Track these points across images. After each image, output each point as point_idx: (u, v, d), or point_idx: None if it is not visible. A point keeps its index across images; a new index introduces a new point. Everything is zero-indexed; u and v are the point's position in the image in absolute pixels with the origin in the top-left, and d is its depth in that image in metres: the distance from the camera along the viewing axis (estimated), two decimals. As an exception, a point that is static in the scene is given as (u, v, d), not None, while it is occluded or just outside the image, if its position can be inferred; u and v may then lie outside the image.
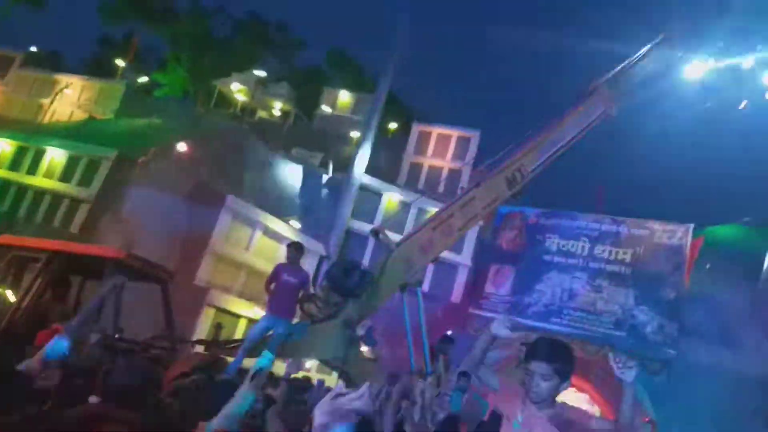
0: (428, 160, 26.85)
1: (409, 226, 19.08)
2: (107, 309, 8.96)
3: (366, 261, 17.04)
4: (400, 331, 8.77)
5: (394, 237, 8.88)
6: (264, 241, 20.06)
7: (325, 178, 25.31)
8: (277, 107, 35.65)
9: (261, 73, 33.86)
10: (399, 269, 7.91)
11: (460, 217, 8.09)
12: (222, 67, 34.98)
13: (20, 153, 21.87)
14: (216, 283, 17.92)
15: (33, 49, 35.28)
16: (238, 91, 34.93)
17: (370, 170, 24.12)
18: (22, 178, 21.11)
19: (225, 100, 35.96)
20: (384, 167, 26.05)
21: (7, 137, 22.41)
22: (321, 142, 29.48)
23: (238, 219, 19.66)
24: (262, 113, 35.41)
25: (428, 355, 7.49)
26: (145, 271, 9.58)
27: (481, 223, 11.13)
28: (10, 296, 9.06)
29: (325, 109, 33.52)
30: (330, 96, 34.10)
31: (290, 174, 24.86)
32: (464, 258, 20.99)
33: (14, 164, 21.59)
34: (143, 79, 35.24)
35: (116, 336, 8.35)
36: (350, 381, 4.09)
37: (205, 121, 27.49)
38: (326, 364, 8.09)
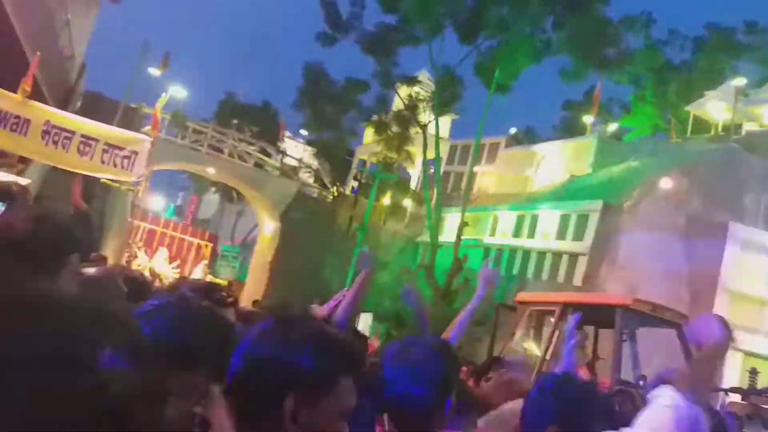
0: None
1: None
2: (624, 356, 8.83)
3: None
4: None
5: None
6: (788, 269, 16.88)
7: None
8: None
9: (740, 82, 29.97)
10: None
11: None
12: (690, 91, 32.53)
13: (519, 221, 24.74)
14: (737, 323, 15.80)
15: (512, 130, 40.35)
16: (716, 110, 31.68)
17: None
18: (524, 242, 23.76)
19: (702, 124, 33.08)
20: None
21: (507, 209, 25.76)
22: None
23: (748, 247, 17.16)
24: (750, 125, 31.00)
25: None
26: (655, 315, 9.13)
27: None
28: (534, 349, 9.92)
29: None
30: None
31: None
32: None
33: (516, 232, 24.54)
34: (612, 128, 35.72)
35: (640, 383, 8.07)
36: None
37: (685, 151, 25.68)
38: None
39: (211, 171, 24.61)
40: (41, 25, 11.44)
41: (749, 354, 15.54)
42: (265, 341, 1.18)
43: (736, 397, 8.87)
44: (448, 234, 25.58)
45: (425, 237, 26.59)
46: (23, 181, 6.23)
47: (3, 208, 2.51)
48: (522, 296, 10.40)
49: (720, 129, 31.57)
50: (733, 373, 14.53)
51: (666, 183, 20.35)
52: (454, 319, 2.92)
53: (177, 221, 29.35)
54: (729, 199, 19.77)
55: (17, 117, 8.33)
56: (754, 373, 13.27)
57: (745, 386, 11.61)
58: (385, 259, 24.94)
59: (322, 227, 25.31)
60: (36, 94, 9.99)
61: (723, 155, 22.54)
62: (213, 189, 42.35)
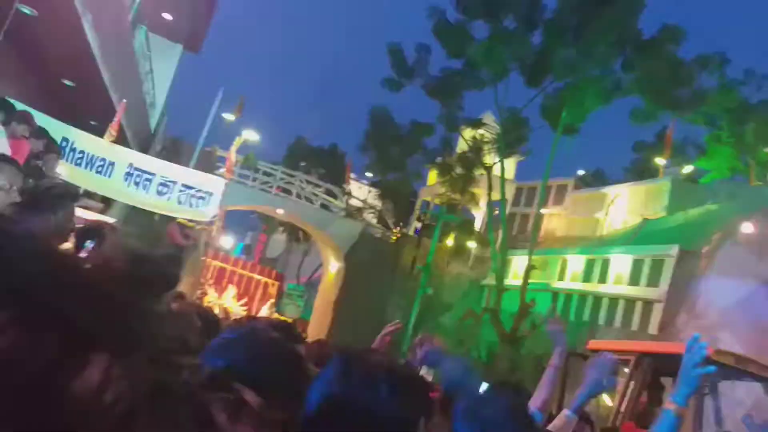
0: None
1: None
2: (707, 412, 8.28)
3: None
4: None
5: None
6: None
7: None
8: None
9: (822, 122, 28.41)
10: None
11: None
12: (770, 131, 31.07)
13: (589, 266, 23.96)
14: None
15: (580, 172, 39.56)
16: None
17: None
18: (594, 287, 22.92)
19: (785, 166, 31.43)
20: None
21: (576, 253, 25.04)
22: None
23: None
24: (837, 167, 29.23)
25: None
26: (739, 367, 8.57)
27: None
28: (607, 400, 9.45)
29: None
30: None
31: None
32: None
33: (586, 276, 23.74)
34: (687, 170, 34.44)
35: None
36: None
37: (766, 194, 24.38)
38: None
39: (279, 211, 25.28)
40: (127, 74, 12.26)
41: None
42: (348, 383, 1.14)
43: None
44: (513, 277, 25.07)
45: (490, 280, 26.13)
46: (109, 219, 6.59)
47: (92, 245, 2.66)
48: (594, 344, 9.98)
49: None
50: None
51: (747, 227, 19.31)
52: (539, 380, 2.81)
53: (246, 260, 30.12)
54: (819, 245, 18.51)
55: (103, 160, 8.89)
56: None
57: None
58: (449, 301, 24.63)
59: (386, 267, 25.35)
60: (120, 138, 10.65)
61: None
62: (281, 228, 43.40)
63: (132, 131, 14.15)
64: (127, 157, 9.36)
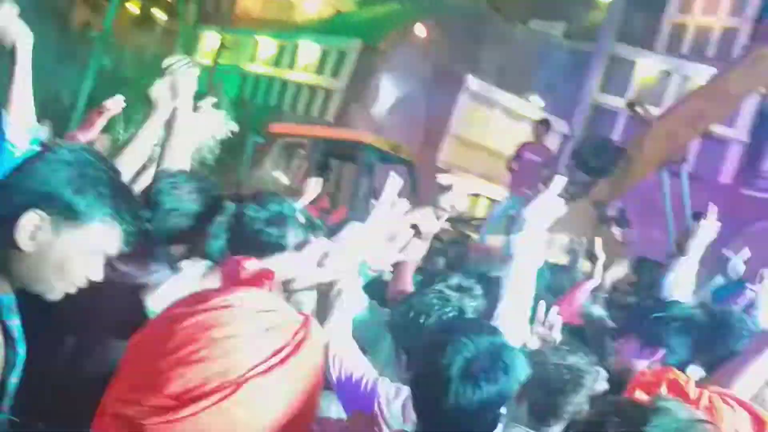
0: (695, 19, 22.97)
1: (669, 98, 16.97)
2: (362, 189, 9.70)
3: (616, 138, 15.71)
4: (656, 213, 8.03)
5: (653, 110, 7.94)
6: (504, 121, 19.69)
7: (567, 49, 23.46)
8: (515, -23, 33.35)
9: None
10: (659, 146, 7.10)
11: (739, 82, 6.84)
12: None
13: (280, 51, 24.14)
14: (457, 164, 18.26)
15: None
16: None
17: (623, 37, 21.59)
18: (283, 73, 23.45)
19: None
20: (640, 32, 23.11)
21: (269, 36, 24.84)
22: (564, 11, 27.06)
23: (477, 100, 19.43)
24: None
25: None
26: (393, 153, 10.08)
27: (763, 90, 9.20)
28: (283, 179, 10.32)
29: (567, -28, 30.39)
30: (572, -43, 30.69)
31: (529, 48, 23.52)
32: (739, 132, 18.01)
33: (277, 61, 23.99)
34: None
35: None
36: (595, 264, 3.89)
37: (443, 2, 26.98)
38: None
39: None
40: None
41: (463, 191, 18.22)
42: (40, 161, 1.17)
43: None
44: (203, 56, 23.99)
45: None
46: None
47: None
48: (275, 127, 10.54)
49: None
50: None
51: (420, 30, 21.43)
52: None
53: None
54: (471, 54, 21.74)
55: None
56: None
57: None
58: (131, 76, 22.63)
59: (49, 29, 21.57)
60: None
61: (474, 11, 24.27)
62: None
63: None
64: None
